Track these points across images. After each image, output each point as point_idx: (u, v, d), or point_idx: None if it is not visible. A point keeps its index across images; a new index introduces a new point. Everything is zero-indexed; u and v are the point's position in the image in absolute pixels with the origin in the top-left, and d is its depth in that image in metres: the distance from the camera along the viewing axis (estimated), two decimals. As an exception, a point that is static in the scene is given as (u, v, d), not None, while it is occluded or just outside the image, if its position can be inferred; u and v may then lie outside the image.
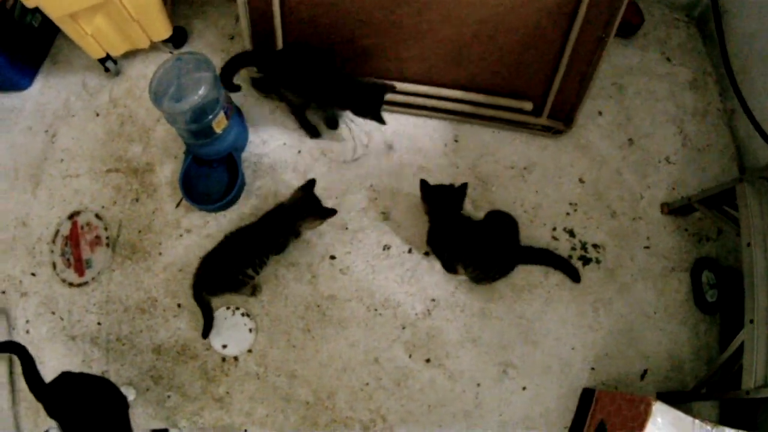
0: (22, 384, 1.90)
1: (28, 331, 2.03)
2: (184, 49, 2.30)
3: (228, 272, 1.76)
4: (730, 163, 2.12)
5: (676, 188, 2.06)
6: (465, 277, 1.89)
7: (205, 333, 1.83)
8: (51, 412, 1.55)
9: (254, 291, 1.91)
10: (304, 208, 1.80)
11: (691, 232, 2.01)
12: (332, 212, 1.81)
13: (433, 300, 1.89)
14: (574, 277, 1.90)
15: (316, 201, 1.82)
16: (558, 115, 2.01)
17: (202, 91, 1.73)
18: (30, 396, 1.78)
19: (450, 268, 1.89)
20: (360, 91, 1.87)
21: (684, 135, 2.13)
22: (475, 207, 1.99)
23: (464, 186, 1.84)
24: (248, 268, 1.76)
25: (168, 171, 2.10)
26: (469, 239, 1.79)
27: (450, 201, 1.82)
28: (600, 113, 2.12)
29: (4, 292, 2.09)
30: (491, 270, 1.82)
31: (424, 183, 1.84)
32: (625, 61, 2.21)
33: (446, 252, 1.86)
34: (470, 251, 1.78)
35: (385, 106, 2.07)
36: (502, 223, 1.88)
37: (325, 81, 1.88)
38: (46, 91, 2.33)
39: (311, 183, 1.84)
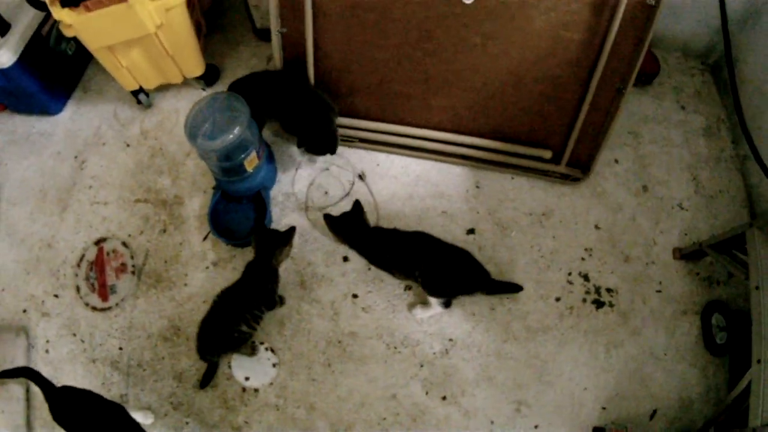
0: (37, 402, 1.94)
1: (47, 351, 2.07)
2: (216, 87, 2.36)
3: (222, 333, 1.79)
4: (741, 209, 2.17)
5: (688, 234, 2.12)
6: (482, 319, 1.94)
7: (203, 384, 1.90)
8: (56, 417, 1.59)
9: (254, 350, 1.94)
10: (268, 244, 1.84)
11: (702, 276, 2.07)
12: (292, 230, 1.89)
13: (451, 340, 1.94)
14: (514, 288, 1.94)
15: (271, 234, 1.88)
16: (576, 164, 2.08)
17: (236, 131, 1.79)
18: (45, 414, 1.82)
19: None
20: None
21: (697, 181, 2.19)
22: (493, 251, 2.05)
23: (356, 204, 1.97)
24: (240, 325, 1.78)
25: (196, 204, 2.16)
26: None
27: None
28: (616, 161, 2.19)
29: (25, 311, 2.13)
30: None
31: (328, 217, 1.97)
32: (641, 109, 2.27)
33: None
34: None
35: (411, 152, 2.15)
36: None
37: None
38: (77, 118, 2.39)
39: (259, 224, 1.97)
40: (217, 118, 1.84)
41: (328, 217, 1.97)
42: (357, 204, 1.97)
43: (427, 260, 1.84)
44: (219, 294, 1.84)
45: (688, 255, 2.05)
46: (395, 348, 1.94)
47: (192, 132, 1.82)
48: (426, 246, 1.87)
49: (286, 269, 2.03)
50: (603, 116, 1.96)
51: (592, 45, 1.84)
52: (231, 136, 1.79)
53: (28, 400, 1.99)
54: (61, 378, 2.03)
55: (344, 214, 1.96)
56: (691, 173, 2.21)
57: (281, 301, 1.98)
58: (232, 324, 1.78)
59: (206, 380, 1.91)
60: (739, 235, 1.80)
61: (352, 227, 1.95)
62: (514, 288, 1.94)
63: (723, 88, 2.34)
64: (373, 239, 1.93)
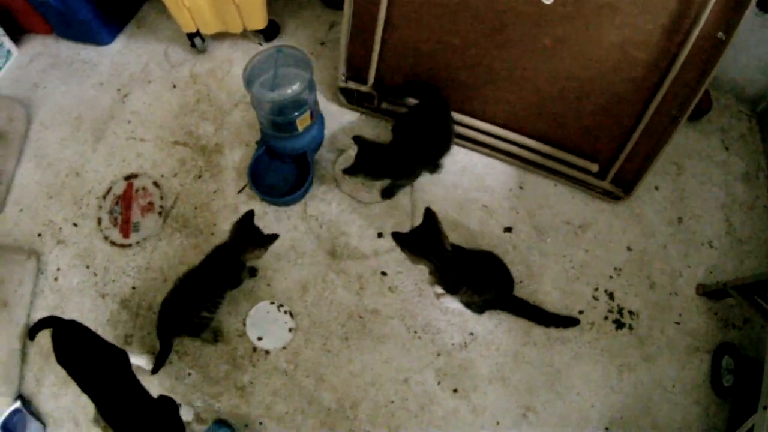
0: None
1: (56, 279, 2.03)
2: (274, 43, 2.34)
3: (183, 316, 1.73)
4: (768, 258, 2.20)
5: (713, 272, 2.12)
6: (506, 318, 1.94)
7: (155, 370, 1.79)
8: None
9: (216, 337, 1.88)
10: (241, 241, 1.72)
11: (720, 317, 2.07)
12: (272, 239, 1.72)
13: (472, 334, 1.93)
14: (571, 323, 1.96)
15: (254, 231, 1.73)
16: (620, 182, 2.08)
17: (296, 87, 1.77)
18: (42, 341, 1.79)
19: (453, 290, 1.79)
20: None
21: (729, 223, 2.20)
22: (527, 253, 2.04)
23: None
24: (202, 311, 1.73)
25: (237, 156, 2.13)
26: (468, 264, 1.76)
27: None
28: (656, 188, 2.20)
29: (40, 235, 2.09)
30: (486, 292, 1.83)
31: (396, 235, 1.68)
32: (687, 142, 2.29)
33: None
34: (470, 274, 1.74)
35: (461, 141, 2.14)
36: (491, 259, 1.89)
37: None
38: (126, 52, 2.35)
39: (248, 215, 1.75)
40: (279, 72, 1.82)
41: (397, 236, 1.66)
42: (429, 214, 1.66)
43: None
44: (179, 277, 1.76)
45: (711, 293, 2.06)
46: (415, 332, 1.92)
47: (250, 78, 1.80)
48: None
49: (318, 235, 2.01)
50: (655, 140, 1.97)
51: (658, 68, 1.85)
52: (290, 91, 1.77)
53: (27, 325, 1.94)
54: (67, 308, 1.99)
55: (417, 230, 1.66)
56: (725, 214, 2.23)
57: (252, 273, 1.93)
58: (192, 308, 1.72)
59: (159, 364, 1.79)
60: (763, 281, 1.81)
61: (428, 245, 1.64)
62: (570, 322, 1.96)
63: (767, 138, 2.37)
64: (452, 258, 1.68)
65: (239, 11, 2.11)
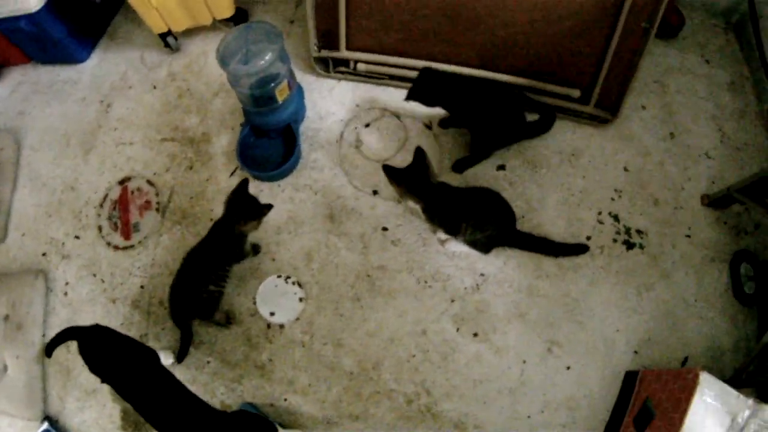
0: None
1: (66, 293, 2.04)
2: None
3: (191, 293, 1.75)
4: (767, 162, 2.17)
5: (715, 182, 2.10)
6: (513, 254, 1.92)
7: (180, 358, 1.82)
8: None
9: (228, 319, 1.88)
10: (234, 214, 1.74)
11: (730, 225, 2.04)
12: (264, 209, 1.74)
13: (482, 275, 1.91)
14: (580, 250, 1.95)
15: (248, 201, 1.74)
16: (604, 105, 2.08)
17: (268, 57, 1.79)
18: (61, 359, 1.77)
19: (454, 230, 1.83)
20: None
21: (723, 133, 2.19)
22: (524, 187, 2.03)
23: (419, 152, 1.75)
24: (208, 284, 1.74)
25: (224, 141, 2.14)
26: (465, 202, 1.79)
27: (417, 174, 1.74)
28: (643, 107, 2.19)
29: (45, 254, 2.11)
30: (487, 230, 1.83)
31: (387, 168, 1.74)
32: (666, 61, 2.29)
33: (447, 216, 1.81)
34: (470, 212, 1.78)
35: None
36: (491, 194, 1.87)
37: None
38: (104, 64, 2.39)
39: (241, 184, 1.76)
40: (251, 47, 1.84)
41: (388, 169, 1.74)
42: (420, 153, 1.74)
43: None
44: (184, 256, 1.79)
45: (716, 202, 2.03)
46: (425, 282, 1.90)
47: (224, 58, 1.82)
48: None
49: (314, 203, 2.02)
50: (630, 56, 1.97)
51: (620, -19, 1.86)
52: (263, 62, 1.79)
53: (43, 345, 1.95)
54: (80, 319, 1.99)
55: (408, 167, 1.74)
56: (717, 124, 2.21)
57: (256, 250, 1.94)
58: (199, 284, 1.73)
59: (183, 351, 1.82)
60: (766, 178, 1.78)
61: (417, 181, 1.73)
62: (579, 249, 1.94)
63: (746, 47, 2.36)
64: (441, 195, 1.75)
65: (206, 2, 2.15)
